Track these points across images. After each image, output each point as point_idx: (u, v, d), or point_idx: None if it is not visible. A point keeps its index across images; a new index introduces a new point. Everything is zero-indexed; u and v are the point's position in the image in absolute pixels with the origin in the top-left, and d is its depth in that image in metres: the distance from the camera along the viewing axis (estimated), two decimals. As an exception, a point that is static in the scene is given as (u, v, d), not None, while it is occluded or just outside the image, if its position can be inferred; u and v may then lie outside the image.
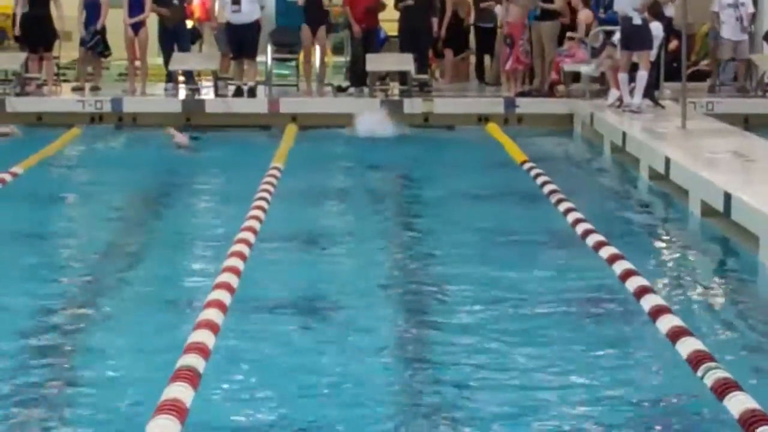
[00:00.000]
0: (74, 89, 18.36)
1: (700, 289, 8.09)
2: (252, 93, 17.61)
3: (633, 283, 7.44)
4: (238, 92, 17.63)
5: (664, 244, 9.90)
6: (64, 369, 6.25)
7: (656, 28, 15.31)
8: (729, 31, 17.89)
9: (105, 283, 8.19)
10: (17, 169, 12.38)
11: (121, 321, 7.18)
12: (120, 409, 5.58)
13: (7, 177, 11.87)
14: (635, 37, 14.94)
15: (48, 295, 7.68)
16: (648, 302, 6.99)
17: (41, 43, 17.91)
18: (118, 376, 6.10)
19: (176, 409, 5.11)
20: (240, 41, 17.54)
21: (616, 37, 15.54)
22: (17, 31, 18.26)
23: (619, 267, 7.88)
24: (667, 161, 11.52)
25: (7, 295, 7.70)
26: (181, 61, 18.11)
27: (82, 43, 18.26)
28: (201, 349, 5.94)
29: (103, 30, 18.19)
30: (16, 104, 17.08)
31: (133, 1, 17.78)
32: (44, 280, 8.16)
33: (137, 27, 17.83)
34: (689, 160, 11.26)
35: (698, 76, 19.03)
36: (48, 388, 5.92)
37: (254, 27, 17.55)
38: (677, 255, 9.40)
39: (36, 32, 17.83)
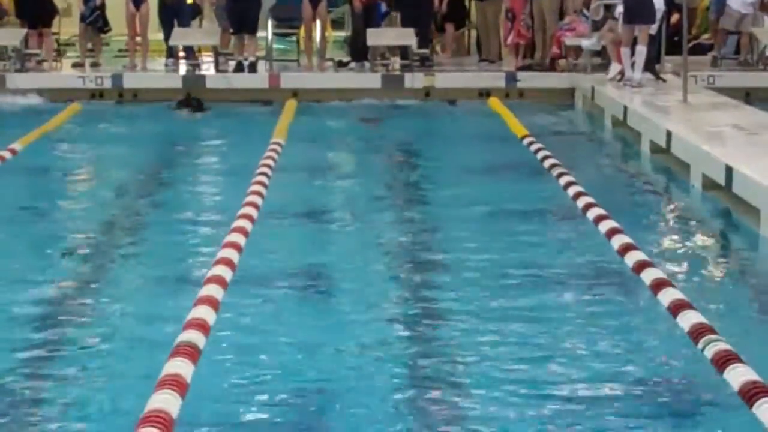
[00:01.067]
0: (74, 65, 18.33)
1: (701, 262, 8.08)
2: (252, 68, 17.58)
3: (633, 257, 7.43)
4: (239, 68, 17.59)
5: (665, 218, 9.89)
6: (63, 343, 6.25)
7: (658, 1, 15.26)
8: (737, 2, 17.83)
9: (105, 258, 8.19)
10: (17, 145, 12.37)
11: (121, 296, 7.17)
12: (120, 384, 5.58)
13: (7, 154, 11.86)
14: (639, 11, 14.88)
15: (47, 272, 7.67)
16: (648, 276, 6.98)
17: (40, 19, 17.88)
18: (119, 351, 6.11)
19: (177, 384, 5.12)
20: (240, 16, 17.50)
21: (618, 10, 15.49)
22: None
23: (619, 241, 7.87)
24: (669, 135, 11.51)
25: (7, 270, 7.70)
26: (181, 37, 18.06)
27: (82, 18, 18.22)
28: (201, 325, 5.94)
29: (103, 5, 18.15)
30: (17, 80, 17.05)
31: (134, -24, 17.76)
32: (44, 256, 8.17)
33: (138, 2, 17.78)
34: (690, 134, 11.25)
35: (699, 50, 18.97)
36: (47, 362, 5.92)
37: (254, 2, 17.53)
38: (678, 228, 9.39)
39: (35, 8, 17.80)
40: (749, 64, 18.06)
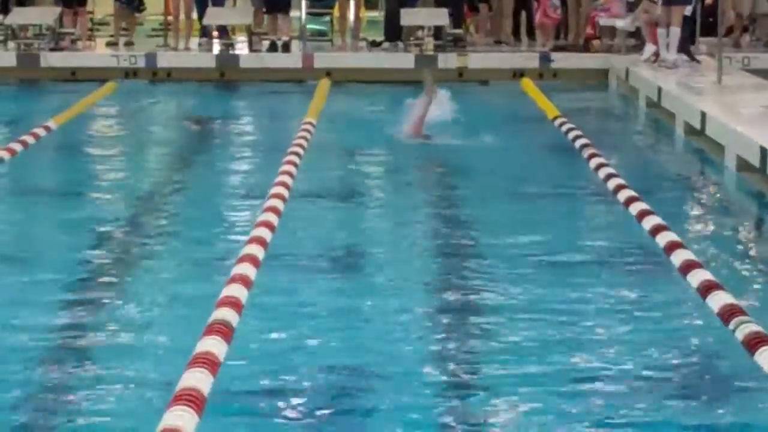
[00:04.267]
0: (108, 44, 18.40)
1: (733, 245, 8.05)
2: (286, 48, 17.60)
3: (663, 239, 7.41)
4: (273, 47, 17.61)
5: (699, 199, 9.86)
6: (96, 319, 6.29)
7: (694, -18, 15.19)
8: None
9: (138, 237, 8.24)
10: (51, 123, 12.43)
11: (153, 274, 7.22)
12: (153, 360, 5.62)
13: (42, 132, 11.92)
14: (677, -9, 14.82)
15: (82, 250, 7.71)
16: (678, 257, 6.97)
17: (75, -2, 17.95)
18: (151, 328, 6.15)
19: (209, 362, 5.14)
20: (274, -4, 17.54)
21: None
22: None
23: (650, 222, 7.85)
24: (703, 116, 11.46)
25: (41, 248, 7.77)
26: (215, 16, 18.10)
27: (117, -2, 18.28)
28: (234, 303, 5.97)
29: (138, -16, 18.23)
30: (51, 59, 17.12)
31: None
32: (78, 234, 8.21)
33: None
34: (725, 115, 11.19)
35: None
36: (81, 338, 5.97)
37: (288, -19, 17.54)
38: (712, 210, 9.36)
39: (70, -13, 17.87)
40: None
